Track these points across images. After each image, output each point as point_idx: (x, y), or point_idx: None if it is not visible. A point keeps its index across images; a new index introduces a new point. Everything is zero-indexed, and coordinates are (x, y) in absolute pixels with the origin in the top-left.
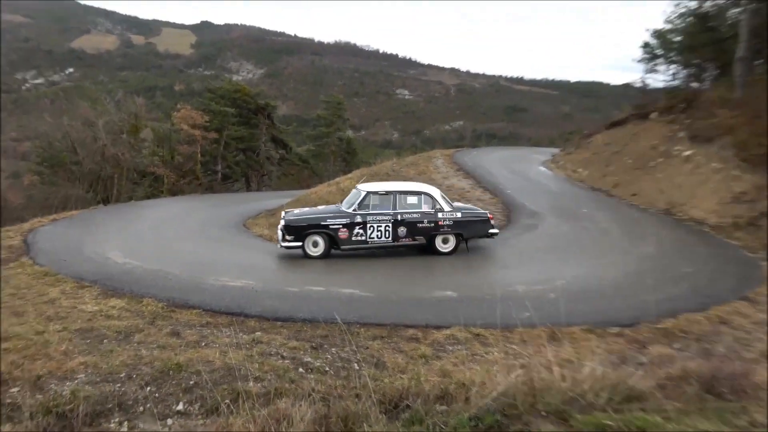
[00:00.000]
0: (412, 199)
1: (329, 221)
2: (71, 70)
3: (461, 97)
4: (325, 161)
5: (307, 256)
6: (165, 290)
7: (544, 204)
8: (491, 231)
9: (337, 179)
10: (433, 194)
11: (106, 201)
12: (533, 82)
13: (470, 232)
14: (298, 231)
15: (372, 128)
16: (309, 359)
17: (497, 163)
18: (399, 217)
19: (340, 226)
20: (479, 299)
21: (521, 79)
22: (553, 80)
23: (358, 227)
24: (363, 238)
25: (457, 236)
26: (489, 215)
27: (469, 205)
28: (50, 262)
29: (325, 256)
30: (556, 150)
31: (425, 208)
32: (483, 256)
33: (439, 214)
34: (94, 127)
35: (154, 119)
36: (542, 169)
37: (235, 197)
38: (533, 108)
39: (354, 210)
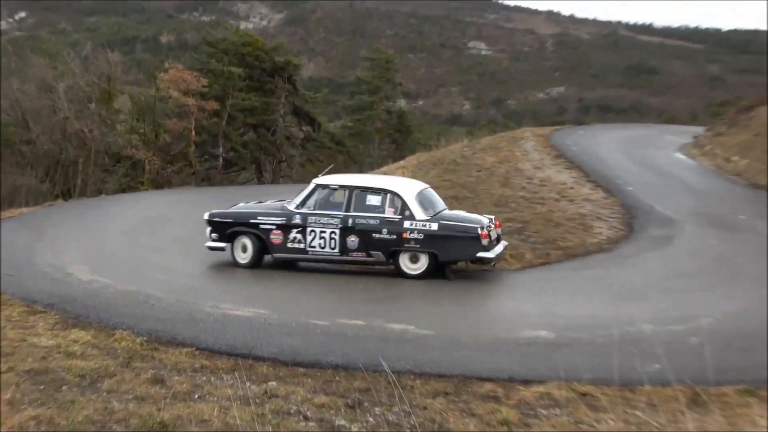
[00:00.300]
0: (373, 199)
1: (260, 219)
2: (23, 14)
3: (562, 53)
4: (368, 143)
5: (236, 264)
6: (145, 320)
7: (682, 207)
8: (481, 255)
9: (385, 168)
10: (402, 194)
11: (67, 195)
12: (667, 31)
13: (447, 253)
14: (222, 229)
15: (434, 96)
16: (343, 422)
17: (614, 147)
18: (350, 223)
19: (274, 227)
20: (587, 343)
21: (650, 26)
22: (696, 28)
23: (295, 230)
24: (302, 245)
25: (432, 256)
26: (481, 232)
27: (472, 216)
28: None
29: (254, 265)
30: (699, 129)
31: (389, 213)
32: (592, 281)
33: (406, 223)
34: (53, 94)
35: (132, 83)
36: (680, 156)
37: (242, 191)
38: (667, 68)
39: (295, 208)
